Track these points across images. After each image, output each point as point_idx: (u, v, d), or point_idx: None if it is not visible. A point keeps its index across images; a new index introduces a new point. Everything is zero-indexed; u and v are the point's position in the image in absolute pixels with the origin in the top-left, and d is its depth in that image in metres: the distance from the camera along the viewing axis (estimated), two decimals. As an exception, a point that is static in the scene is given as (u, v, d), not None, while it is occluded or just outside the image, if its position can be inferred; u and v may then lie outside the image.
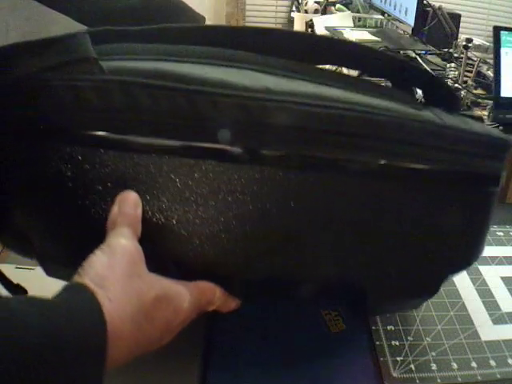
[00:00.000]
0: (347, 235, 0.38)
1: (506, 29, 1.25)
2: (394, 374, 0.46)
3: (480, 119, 0.42)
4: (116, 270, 0.30)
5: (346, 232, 0.37)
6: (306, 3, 1.94)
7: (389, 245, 0.39)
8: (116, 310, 0.29)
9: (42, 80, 0.33)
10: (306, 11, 1.94)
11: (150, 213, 0.35)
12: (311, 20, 1.87)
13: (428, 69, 1.37)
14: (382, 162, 0.35)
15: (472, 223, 0.40)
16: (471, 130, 0.38)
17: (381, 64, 0.42)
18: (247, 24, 2.37)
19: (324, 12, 1.95)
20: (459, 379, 0.46)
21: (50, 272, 0.41)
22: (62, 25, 0.44)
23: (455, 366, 0.47)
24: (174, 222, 0.35)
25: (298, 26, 1.93)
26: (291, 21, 2.15)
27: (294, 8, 2.21)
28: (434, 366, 0.47)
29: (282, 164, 0.34)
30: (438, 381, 0.46)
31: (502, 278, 0.59)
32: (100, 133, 0.33)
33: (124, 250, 0.31)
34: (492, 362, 0.48)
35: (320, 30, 1.76)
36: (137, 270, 0.32)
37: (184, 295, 0.34)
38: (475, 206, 0.39)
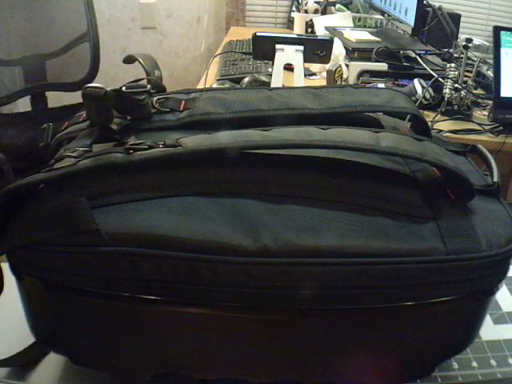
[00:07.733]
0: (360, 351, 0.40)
1: (506, 29, 1.25)
2: (395, 374, 0.46)
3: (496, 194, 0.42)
4: None
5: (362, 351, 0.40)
6: (306, 3, 1.94)
7: (395, 348, 0.41)
8: None
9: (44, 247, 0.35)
10: (306, 11, 1.94)
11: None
12: (311, 20, 1.87)
13: (434, 72, 1.37)
14: (409, 303, 0.37)
15: (467, 324, 0.42)
16: (478, 254, 0.37)
17: None
18: (247, 24, 2.37)
19: (324, 12, 1.95)
20: (460, 379, 0.46)
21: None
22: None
23: (456, 365, 0.47)
24: (188, 365, 0.40)
25: (298, 26, 1.93)
26: (291, 21, 2.15)
27: (293, 8, 2.21)
28: (434, 366, 0.47)
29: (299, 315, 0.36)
30: (439, 380, 0.46)
31: (503, 278, 0.59)
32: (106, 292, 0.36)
33: None
34: (493, 362, 0.48)
35: (320, 30, 1.76)
36: None
37: None
38: (470, 313, 0.41)
